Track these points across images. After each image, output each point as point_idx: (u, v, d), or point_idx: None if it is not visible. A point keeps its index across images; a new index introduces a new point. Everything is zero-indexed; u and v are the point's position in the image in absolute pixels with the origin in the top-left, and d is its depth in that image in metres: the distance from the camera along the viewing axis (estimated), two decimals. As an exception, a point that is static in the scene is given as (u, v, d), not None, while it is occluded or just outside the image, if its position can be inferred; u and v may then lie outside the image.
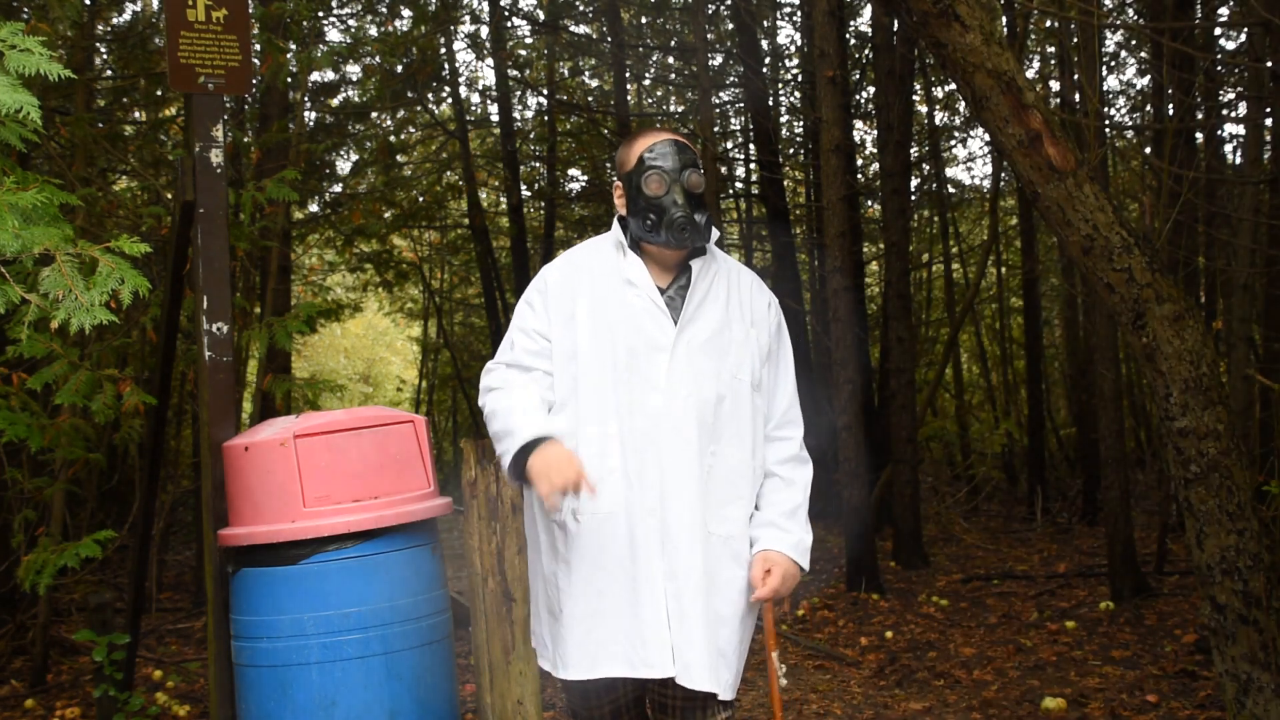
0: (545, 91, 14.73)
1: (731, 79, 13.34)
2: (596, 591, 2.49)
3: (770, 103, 11.84)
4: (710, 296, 2.59)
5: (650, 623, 2.45)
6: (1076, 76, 8.18)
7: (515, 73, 14.32)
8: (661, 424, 2.47)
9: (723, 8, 12.16)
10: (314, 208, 13.10)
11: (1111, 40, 10.59)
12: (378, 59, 11.18)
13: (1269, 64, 5.80)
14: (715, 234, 2.63)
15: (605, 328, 2.54)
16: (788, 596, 2.42)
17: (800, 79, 13.37)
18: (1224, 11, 8.85)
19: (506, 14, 13.27)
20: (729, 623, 2.52)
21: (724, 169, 13.04)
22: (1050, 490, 12.07)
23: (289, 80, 7.74)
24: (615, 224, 2.69)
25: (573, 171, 16.48)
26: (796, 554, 2.56)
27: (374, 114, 12.87)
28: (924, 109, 13.07)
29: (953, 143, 14.09)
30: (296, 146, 7.63)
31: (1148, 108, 10.21)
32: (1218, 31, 8.86)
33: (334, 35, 11.79)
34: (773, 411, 2.64)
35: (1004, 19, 9.04)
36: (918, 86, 12.09)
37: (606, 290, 2.58)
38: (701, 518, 2.49)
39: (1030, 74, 10.31)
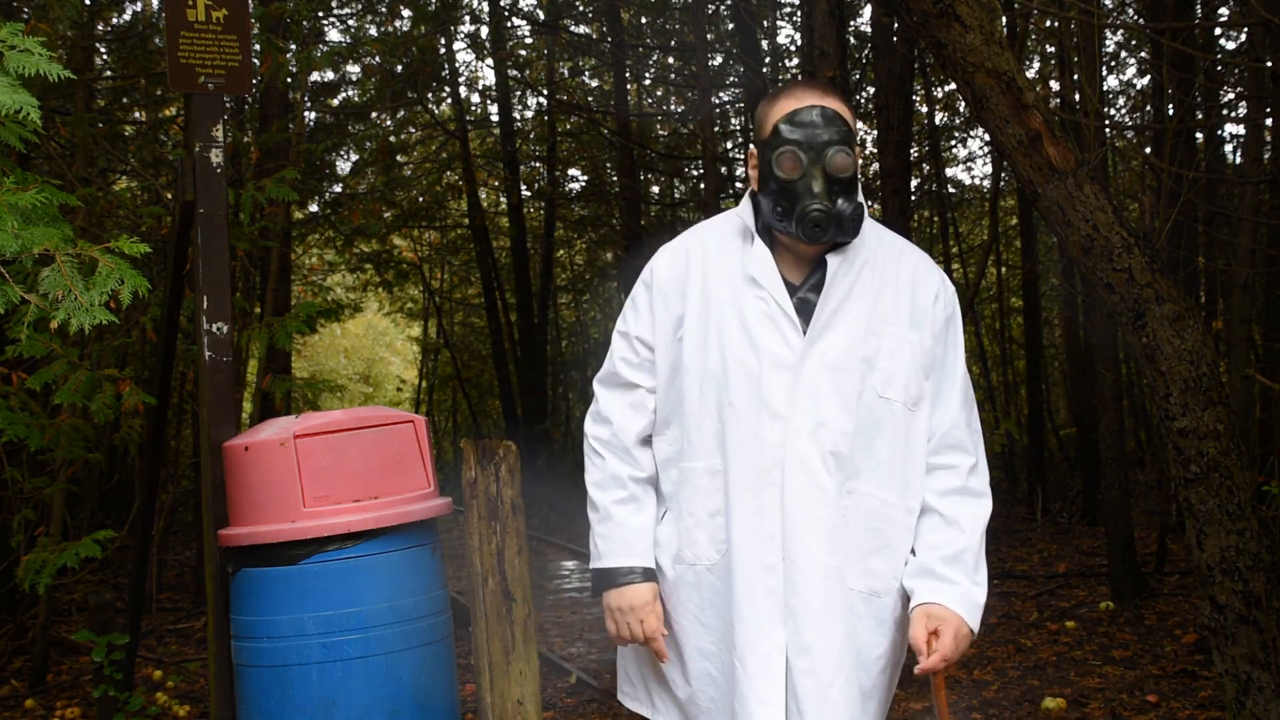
0: (545, 91, 14.73)
1: (731, 79, 13.34)
2: (699, 651, 2.11)
3: (770, 103, 11.80)
4: (854, 295, 2.09)
5: (756, 708, 2.01)
6: (1076, 76, 8.18)
7: (515, 73, 14.32)
8: (784, 460, 2.02)
9: (723, 8, 12.16)
10: (314, 208, 13.10)
11: (1111, 40, 10.59)
12: (378, 59, 11.18)
13: (1269, 64, 5.80)
14: (867, 221, 2.15)
15: (716, 337, 2.09)
16: (955, 663, 2.06)
17: (800, 79, 13.36)
18: (1224, 11, 8.85)
19: (506, 14, 13.26)
20: (873, 696, 2.10)
21: (724, 169, 13.03)
22: (1050, 490, 12.07)
23: (289, 80, 7.74)
24: (746, 201, 2.19)
25: (573, 171, 16.48)
26: (964, 610, 2.04)
27: (374, 114, 12.87)
28: (924, 109, 13.06)
29: (953, 143, 14.08)
30: (296, 146, 7.63)
31: (1148, 108, 10.21)
32: (1218, 31, 8.86)
33: (334, 35, 11.79)
34: (934, 428, 2.12)
35: (1004, 19, 9.04)
36: (918, 86, 12.08)
37: (723, 287, 2.12)
38: (839, 573, 2.04)
39: (1030, 74, 10.32)
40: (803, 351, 2.05)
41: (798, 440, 2.02)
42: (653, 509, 2.18)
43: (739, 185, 14.39)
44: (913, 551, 2.11)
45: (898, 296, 2.11)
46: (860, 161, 2.13)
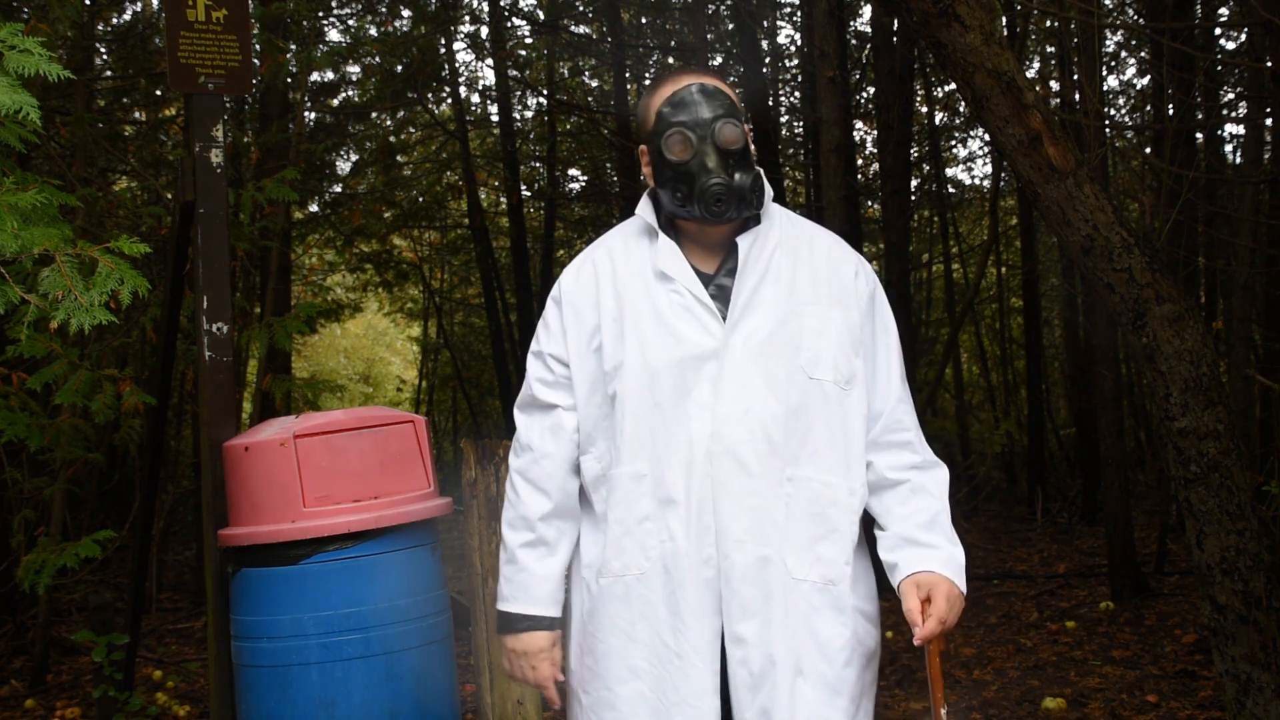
0: (545, 91, 14.73)
1: (731, 79, 13.33)
2: (629, 670, 2.02)
3: (770, 103, 11.84)
4: (769, 276, 2.03)
5: (699, 694, 1.95)
6: (1076, 76, 8.18)
7: (515, 73, 14.32)
8: (714, 453, 1.96)
9: (723, 8, 12.16)
10: (314, 208, 13.10)
11: (1111, 40, 10.59)
12: (378, 59, 11.18)
13: (1269, 64, 5.80)
14: (769, 194, 2.08)
15: (634, 337, 2.03)
16: (954, 629, 2.00)
17: (800, 79, 13.37)
18: (1224, 11, 8.85)
19: (506, 14, 13.26)
20: (841, 691, 1.99)
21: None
22: (1050, 490, 12.07)
23: (289, 80, 7.75)
24: (644, 200, 2.13)
25: (573, 171, 16.49)
26: (951, 572, 1.98)
27: (374, 114, 12.87)
28: (924, 109, 13.06)
29: (953, 143, 14.09)
30: (296, 146, 7.63)
31: (1148, 108, 10.21)
32: (1218, 31, 8.86)
33: (334, 35, 11.80)
34: (877, 409, 2.06)
35: (1004, 19, 9.04)
36: (918, 86, 12.08)
37: (634, 288, 2.06)
38: (775, 562, 1.96)
39: (1030, 74, 10.32)
40: (724, 338, 1.98)
41: (725, 428, 1.95)
42: (564, 551, 2.11)
43: (739, 185, 14.34)
44: (880, 526, 2.06)
45: (815, 275, 2.06)
46: (748, 134, 2.07)
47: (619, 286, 2.07)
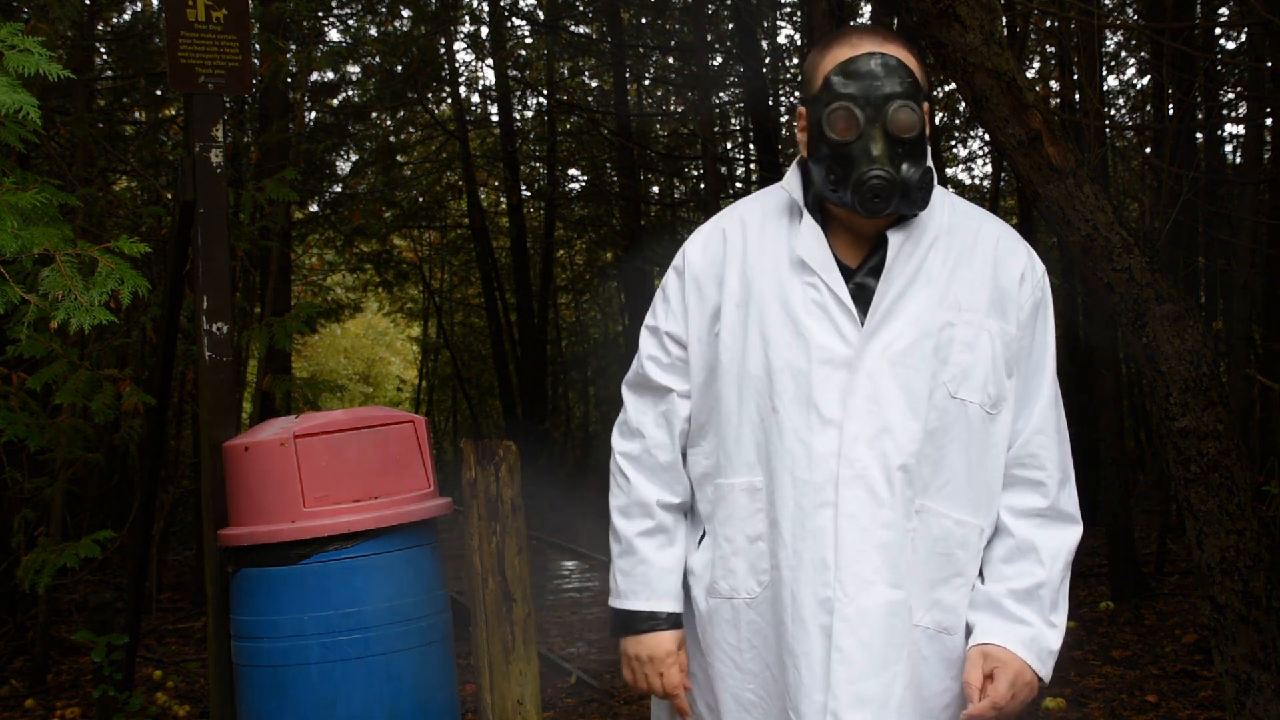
0: (545, 91, 14.73)
1: (731, 79, 13.34)
2: (738, 703, 1.82)
3: (770, 103, 11.84)
4: (921, 278, 1.76)
5: None
6: (1076, 76, 8.18)
7: (515, 73, 14.33)
8: (841, 478, 1.71)
9: (723, 8, 12.16)
10: (314, 208, 13.11)
11: (1111, 40, 10.59)
12: (378, 59, 11.18)
13: (1269, 64, 5.81)
14: (936, 188, 1.79)
15: (757, 331, 1.78)
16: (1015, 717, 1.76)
17: (800, 79, 13.37)
18: (1224, 11, 8.85)
19: (506, 14, 13.27)
20: None
21: (724, 169, 13.04)
22: (1050, 490, 12.05)
23: (289, 80, 7.75)
24: (793, 170, 1.86)
25: (573, 171, 16.50)
26: (1032, 655, 1.72)
27: (374, 114, 12.88)
28: (924, 109, 13.05)
29: (953, 143, 14.08)
30: (296, 146, 7.63)
31: (1148, 108, 10.21)
32: (1218, 31, 8.86)
33: (334, 35, 11.80)
34: (1013, 438, 1.79)
35: (1004, 19, 9.04)
36: (918, 86, 12.07)
37: (766, 273, 1.80)
38: (904, 608, 1.72)
39: (1030, 74, 10.32)
40: (860, 345, 1.72)
41: (856, 450, 1.70)
42: (683, 542, 1.89)
43: (739, 186, 14.42)
44: (980, 577, 1.79)
45: (975, 278, 1.77)
46: (927, 118, 1.77)
47: (748, 268, 1.81)
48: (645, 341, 1.90)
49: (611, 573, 1.91)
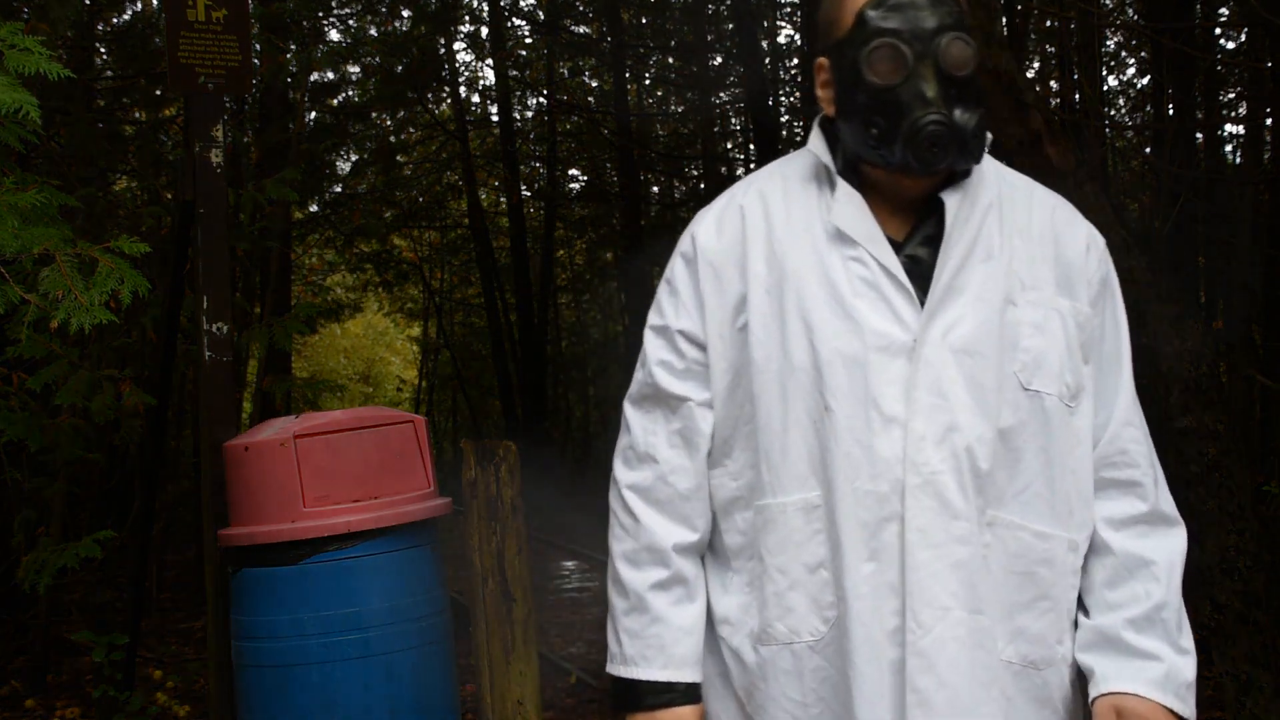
0: (545, 91, 14.74)
1: (731, 79, 13.35)
2: None
3: (770, 103, 11.84)
4: (979, 249, 1.47)
5: None
6: (1076, 76, 8.19)
7: (515, 73, 14.34)
8: (908, 486, 1.42)
9: (723, 8, 12.16)
10: (314, 208, 13.12)
11: (1111, 40, 10.59)
12: (378, 59, 11.19)
13: (1269, 64, 5.81)
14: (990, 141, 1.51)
15: (797, 318, 1.47)
16: None
17: (800, 79, 13.37)
18: (1224, 11, 8.86)
19: (506, 14, 13.28)
20: None
21: (724, 169, 13.04)
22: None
23: (289, 80, 7.75)
24: (816, 133, 1.56)
25: (573, 171, 16.51)
26: (1170, 695, 1.43)
27: (374, 114, 12.89)
28: (924, 109, 13.06)
29: (953, 143, 14.08)
30: (296, 146, 7.63)
31: (1148, 108, 10.21)
32: (1218, 31, 8.86)
33: (334, 35, 11.80)
34: (1100, 433, 1.52)
35: (1004, 19, 9.04)
36: (918, 86, 12.07)
37: (800, 250, 1.50)
38: (988, 636, 1.43)
39: (1030, 74, 10.32)
40: (921, 329, 1.43)
41: (923, 453, 1.41)
42: (704, 596, 1.57)
43: (739, 185, 14.39)
44: (1083, 610, 1.50)
45: (1036, 252, 1.50)
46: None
47: (776, 246, 1.50)
48: (651, 345, 1.57)
49: (611, 632, 1.58)
